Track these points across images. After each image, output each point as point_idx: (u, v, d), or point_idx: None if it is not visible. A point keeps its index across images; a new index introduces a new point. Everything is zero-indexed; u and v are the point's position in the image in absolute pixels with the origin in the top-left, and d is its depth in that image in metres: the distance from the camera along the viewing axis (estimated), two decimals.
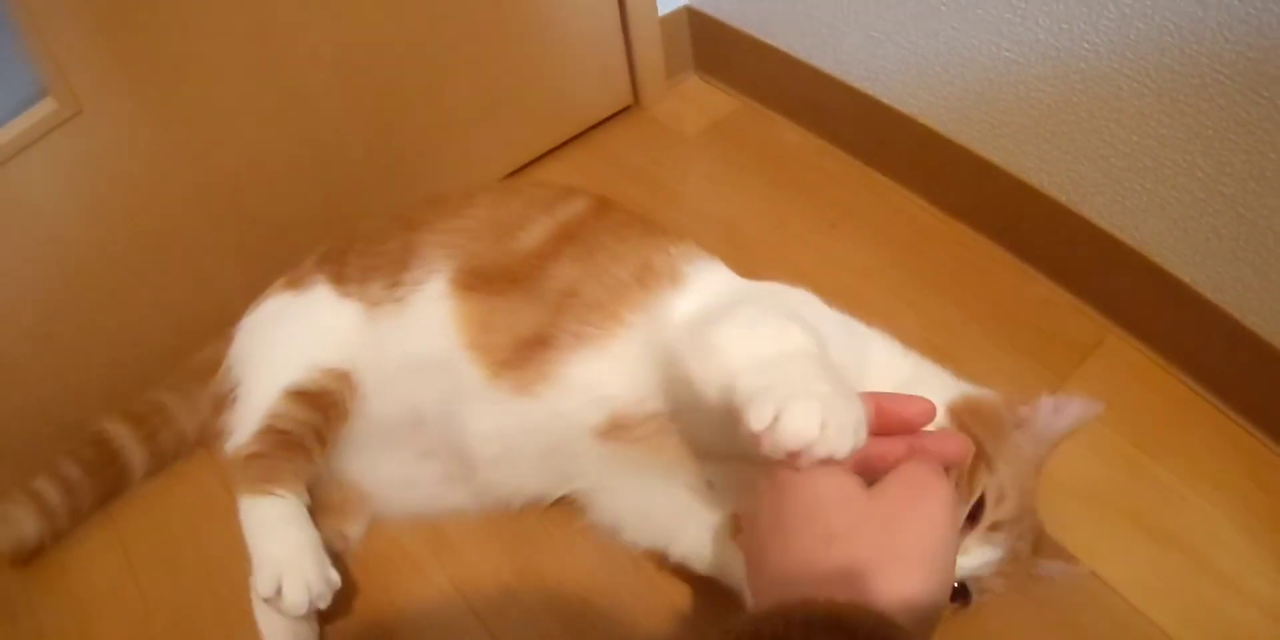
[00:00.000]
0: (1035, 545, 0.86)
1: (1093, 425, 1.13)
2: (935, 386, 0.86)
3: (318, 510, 1.00)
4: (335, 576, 0.89)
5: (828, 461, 0.61)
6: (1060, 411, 0.88)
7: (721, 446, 0.85)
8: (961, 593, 0.83)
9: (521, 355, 0.91)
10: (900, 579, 0.57)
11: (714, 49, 1.65)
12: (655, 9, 1.55)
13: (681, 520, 0.94)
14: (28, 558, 1.07)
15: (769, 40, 1.51)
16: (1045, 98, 1.16)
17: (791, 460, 0.62)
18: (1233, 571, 1.03)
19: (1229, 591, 1.01)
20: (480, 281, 0.95)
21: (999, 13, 1.14)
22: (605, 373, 0.89)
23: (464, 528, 1.09)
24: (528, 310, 0.93)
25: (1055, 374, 1.21)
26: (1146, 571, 1.03)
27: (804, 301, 0.93)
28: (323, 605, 0.87)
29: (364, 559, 1.08)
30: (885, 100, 1.39)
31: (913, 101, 1.35)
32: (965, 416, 0.84)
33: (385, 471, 1.04)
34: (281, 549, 0.88)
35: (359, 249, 1.04)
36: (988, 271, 1.33)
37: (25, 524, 1.03)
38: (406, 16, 1.22)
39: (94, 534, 1.12)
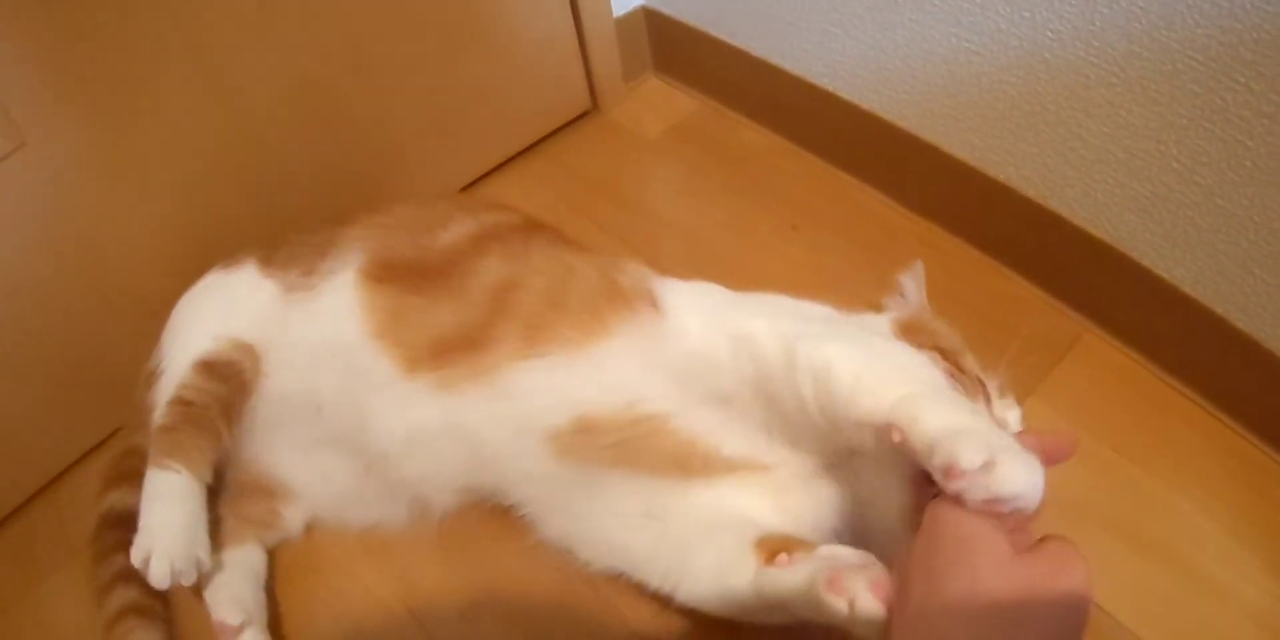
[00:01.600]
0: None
1: (1070, 428, 1.12)
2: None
3: (246, 492, 1.05)
4: (205, 557, 0.91)
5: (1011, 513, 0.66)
6: (906, 292, 1.07)
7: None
8: None
9: (443, 353, 0.92)
10: None
11: (672, 49, 1.62)
12: (610, 10, 1.52)
13: (680, 553, 0.89)
14: None
15: (727, 38, 1.49)
16: (1010, 89, 1.13)
17: (989, 506, 0.65)
18: (1223, 579, 1.00)
19: (1219, 601, 0.99)
20: (389, 273, 0.98)
21: (957, 2, 1.11)
22: (574, 381, 0.89)
23: (407, 537, 1.08)
24: (447, 307, 0.94)
25: (1031, 375, 1.18)
26: (1133, 585, 1.00)
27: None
28: (186, 581, 0.89)
29: (304, 570, 1.08)
30: (846, 96, 1.36)
31: (874, 97, 1.32)
32: (913, 335, 0.94)
33: (300, 463, 1.06)
34: (159, 523, 0.90)
35: (291, 240, 1.08)
36: (957, 270, 1.31)
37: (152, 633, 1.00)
38: (350, 31, 1.20)
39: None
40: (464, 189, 1.51)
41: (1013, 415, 0.94)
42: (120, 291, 1.14)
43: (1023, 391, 1.15)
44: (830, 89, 1.37)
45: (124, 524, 1.01)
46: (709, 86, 1.62)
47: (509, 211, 1.09)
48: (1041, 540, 0.66)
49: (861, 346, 0.83)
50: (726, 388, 0.86)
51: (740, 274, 1.31)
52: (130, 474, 1.04)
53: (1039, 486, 0.66)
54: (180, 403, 0.97)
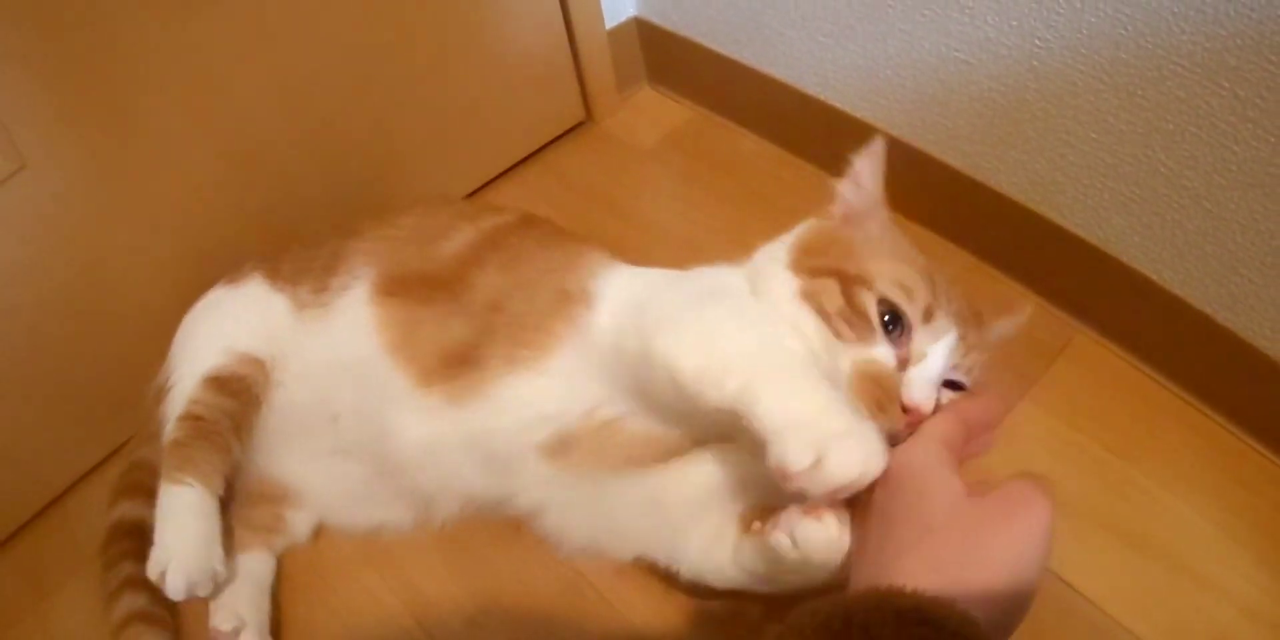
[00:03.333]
0: (975, 315, 0.86)
1: (1063, 430, 1.13)
2: (779, 259, 0.87)
3: (252, 499, 1.06)
4: (220, 569, 0.93)
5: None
6: (860, 178, 0.90)
7: (702, 432, 0.87)
8: (956, 385, 0.81)
9: (450, 368, 0.93)
10: (985, 581, 0.57)
11: (665, 59, 1.63)
12: (602, 21, 1.53)
13: (677, 534, 0.91)
14: None
15: (719, 48, 1.50)
16: (999, 97, 1.14)
17: (830, 496, 0.66)
18: (1214, 575, 1.01)
19: (1211, 596, 1.00)
20: (401, 287, 0.98)
21: (947, 12, 1.12)
22: (541, 391, 0.90)
23: (411, 545, 1.09)
24: (453, 321, 0.95)
25: (1023, 378, 1.19)
26: (1125, 581, 1.01)
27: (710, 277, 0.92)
28: (202, 593, 0.91)
29: (309, 576, 1.09)
30: (838, 105, 1.37)
31: (866, 106, 1.33)
32: (800, 260, 0.85)
33: (310, 469, 1.07)
34: (174, 537, 0.92)
35: (295, 251, 1.08)
36: (950, 275, 1.29)
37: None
38: (347, 45, 1.20)
39: None
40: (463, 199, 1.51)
41: (937, 348, 0.77)
42: (123, 307, 1.15)
43: (1016, 394, 1.17)
44: (822, 98, 1.38)
45: (132, 534, 1.03)
46: (702, 96, 1.62)
47: (505, 211, 1.09)
48: (1007, 481, 0.64)
49: (701, 335, 0.77)
50: (631, 382, 0.84)
51: None
52: (137, 486, 1.06)
53: (876, 455, 0.65)
54: (191, 418, 0.98)
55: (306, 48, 1.16)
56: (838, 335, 0.78)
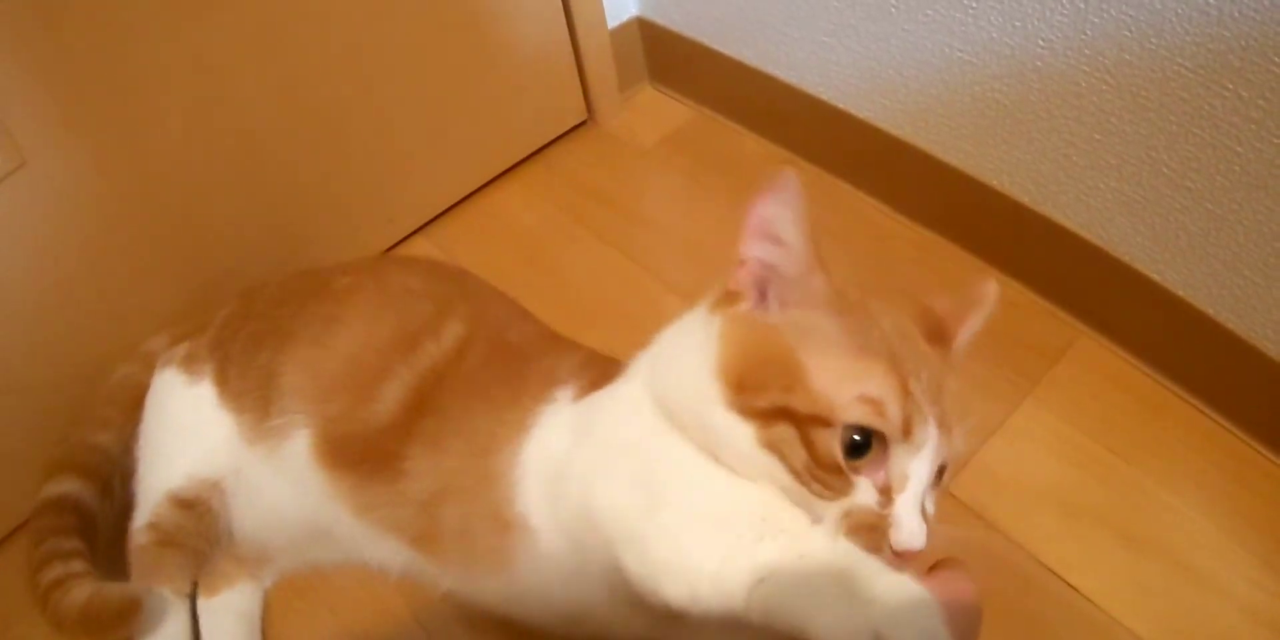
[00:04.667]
0: (938, 331, 0.72)
1: (1066, 431, 1.14)
2: (711, 398, 0.67)
3: (240, 542, 1.02)
4: None
5: None
6: (775, 234, 0.66)
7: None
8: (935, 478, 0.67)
9: (427, 548, 0.89)
10: None
11: (667, 59, 1.63)
12: (604, 21, 1.53)
13: None
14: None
15: (721, 48, 1.50)
16: (1002, 98, 1.15)
17: None
18: (1217, 576, 1.01)
19: (1211, 596, 1.00)
20: (342, 459, 0.91)
21: (950, 13, 1.12)
22: (520, 593, 0.86)
23: None
24: (402, 511, 0.89)
25: (1026, 379, 1.19)
26: (1125, 580, 1.01)
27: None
28: None
29: (311, 577, 1.08)
30: (841, 105, 1.37)
31: (869, 106, 1.33)
32: (739, 402, 0.65)
33: (294, 548, 1.05)
34: None
35: (239, 350, 1.00)
36: (953, 275, 1.32)
37: (86, 586, 0.96)
38: (349, 46, 1.20)
39: None
40: (464, 199, 1.51)
41: (919, 464, 0.63)
42: (122, 307, 1.14)
43: (1019, 395, 1.17)
44: (825, 98, 1.38)
45: (66, 511, 1.02)
46: (704, 96, 1.62)
47: (450, 320, 0.95)
48: (933, 567, 0.62)
49: (679, 555, 0.64)
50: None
51: None
52: (84, 467, 1.05)
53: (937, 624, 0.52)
54: (155, 529, 0.97)
55: (309, 46, 1.16)
56: (813, 494, 0.64)
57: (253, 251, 1.17)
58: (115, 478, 1.07)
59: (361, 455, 0.90)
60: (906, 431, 0.62)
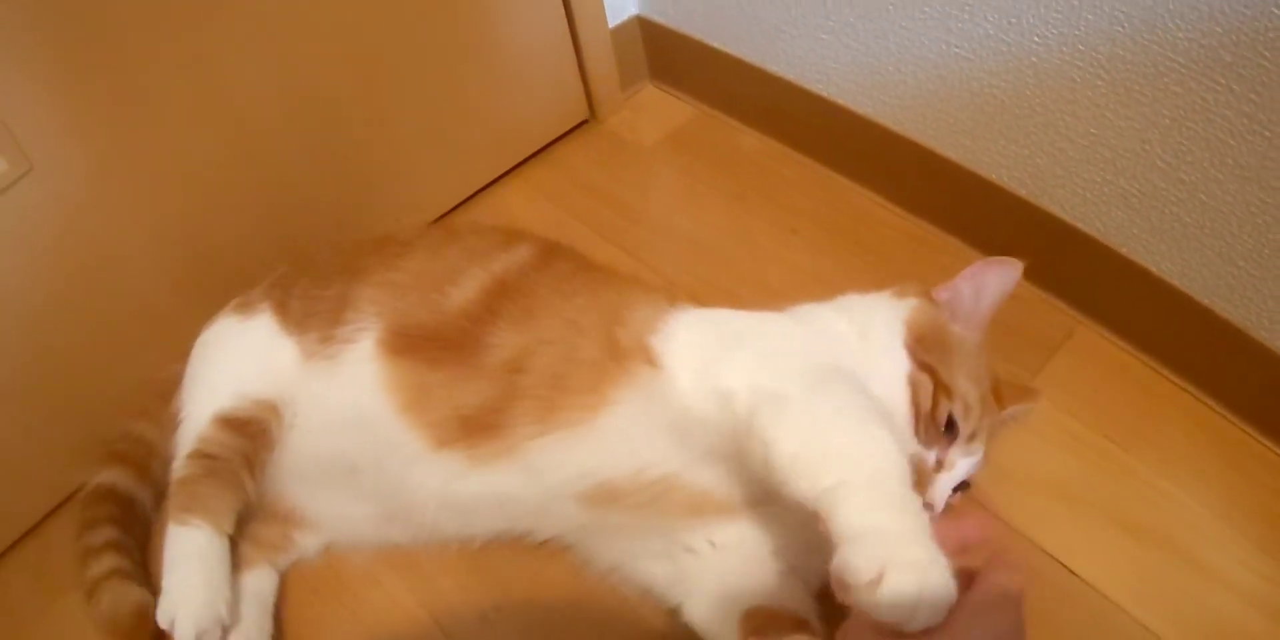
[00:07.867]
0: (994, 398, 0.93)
1: (1066, 421, 1.15)
2: (896, 332, 0.92)
3: (263, 516, 1.04)
4: (226, 614, 0.91)
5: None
6: (981, 291, 0.93)
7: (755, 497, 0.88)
8: (962, 486, 0.91)
9: (470, 434, 0.90)
10: None
11: (667, 57, 1.64)
12: (605, 20, 1.53)
13: (686, 585, 0.93)
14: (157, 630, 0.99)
15: (721, 46, 1.51)
16: (998, 93, 1.16)
17: (880, 625, 0.62)
18: (1215, 563, 1.02)
19: (1212, 583, 1.01)
20: (408, 345, 0.94)
21: (946, 9, 1.13)
22: (588, 454, 0.88)
23: (437, 554, 1.08)
24: (468, 386, 0.91)
25: (1026, 369, 1.20)
26: (1127, 568, 1.02)
27: (810, 336, 0.93)
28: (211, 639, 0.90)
29: (326, 576, 1.09)
30: (840, 101, 1.38)
31: (867, 102, 1.35)
32: (914, 348, 0.90)
33: (326, 503, 1.04)
34: (181, 585, 0.90)
35: (303, 288, 1.03)
36: (952, 268, 1.28)
37: (133, 594, 0.99)
38: (351, 47, 1.21)
39: None
40: (468, 199, 1.52)
41: (965, 462, 0.88)
42: (129, 309, 1.14)
43: (1020, 386, 1.18)
44: (825, 94, 1.39)
45: (112, 500, 1.05)
46: (705, 94, 1.63)
47: (520, 245, 1.03)
48: (985, 571, 0.66)
49: (811, 421, 0.76)
50: (716, 444, 0.83)
51: (740, 278, 1.33)
52: (124, 456, 1.07)
53: (937, 607, 0.61)
54: (201, 456, 0.96)
55: (311, 48, 1.16)
56: (916, 432, 0.87)
57: (258, 253, 1.16)
58: (154, 466, 1.08)
59: (429, 340, 0.94)
60: (971, 437, 0.88)
